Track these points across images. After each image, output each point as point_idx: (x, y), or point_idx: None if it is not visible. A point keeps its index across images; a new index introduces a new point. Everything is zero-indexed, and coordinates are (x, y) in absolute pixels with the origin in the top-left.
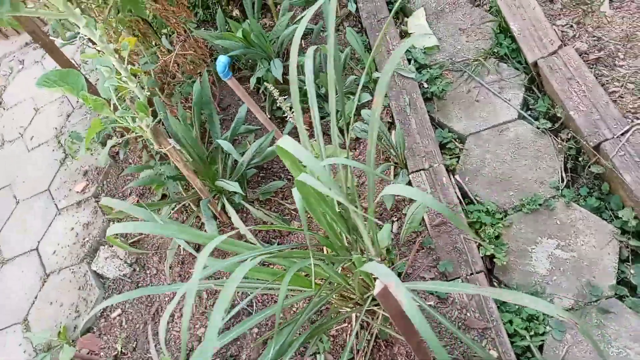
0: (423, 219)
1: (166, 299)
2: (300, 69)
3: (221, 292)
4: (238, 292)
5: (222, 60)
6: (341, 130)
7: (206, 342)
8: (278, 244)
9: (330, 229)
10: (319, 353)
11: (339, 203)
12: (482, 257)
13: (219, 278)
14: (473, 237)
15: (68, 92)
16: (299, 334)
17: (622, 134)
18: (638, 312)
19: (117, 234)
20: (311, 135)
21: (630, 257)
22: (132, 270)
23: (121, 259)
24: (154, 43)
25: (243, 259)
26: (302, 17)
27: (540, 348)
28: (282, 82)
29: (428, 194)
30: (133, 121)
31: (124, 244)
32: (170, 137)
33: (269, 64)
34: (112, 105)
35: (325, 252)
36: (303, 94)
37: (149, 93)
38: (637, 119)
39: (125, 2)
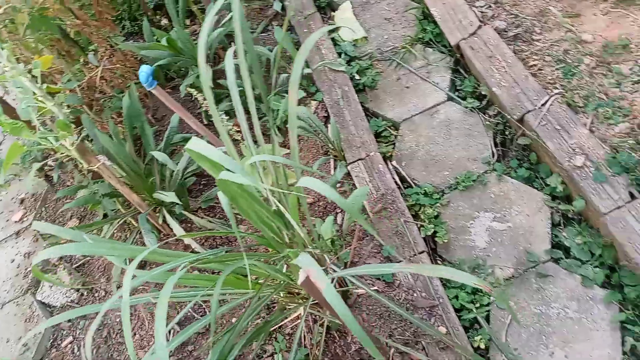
0: (364, 207)
1: (117, 319)
2: (239, 71)
3: (157, 308)
4: (186, 301)
5: (144, 70)
6: (280, 129)
7: (157, 350)
8: (226, 251)
9: (268, 227)
10: (276, 353)
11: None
12: (424, 238)
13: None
14: (375, 236)
15: None
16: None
17: (542, 105)
18: (573, 272)
19: (60, 260)
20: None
21: (561, 221)
22: (79, 295)
23: (67, 285)
24: (82, 60)
25: (172, 268)
26: (227, 21)
27: (487, 318)
28: (213, 86)
29: (331, 188)
30: (56, 141)
31: (51, 278)
32: (102, 154)
33: (199, 70)
34: (35, 127)
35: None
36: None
37: (68, 111)
38: (556, 89)
39: (34, 20)
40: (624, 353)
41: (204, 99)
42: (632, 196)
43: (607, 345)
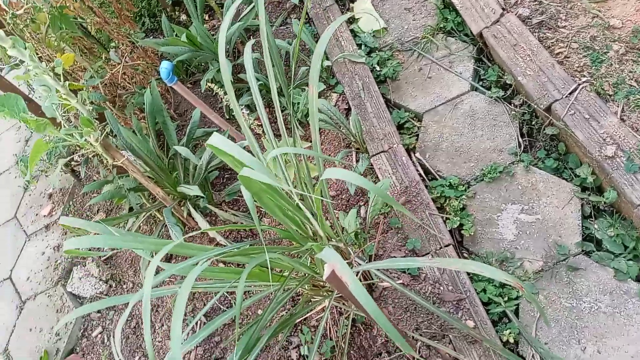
0: None
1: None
2: (258, 65)
3: (176, 300)
4: (212, 293)
5: (164, 67)
6: (301, 122)
7: (172, 348)
8: (250, 244)
9: (291, 221)
10: (302, 345)
11: (299, 195)
12: (450, 231)
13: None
14: (410, 215)
15: (8, 116)
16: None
17: (570, 93)
18: (605, 265)
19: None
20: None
21: (592, 213)
22: (108, 286)
23: (96, 277)
24: (103, 57)
25: (196, 261)
26: (246, 15)
27: (516, 312)
28: (233, 81)
29: (357, 175)
30: (81, 137)
31: (86, 252)
32: (125, 149)
33: (219, 65)
34: (60, 124)
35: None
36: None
37: (91, 107)
38: (584, 77)
39: (54, 19)
40: None
41: (225, 94)
42: None
43: None
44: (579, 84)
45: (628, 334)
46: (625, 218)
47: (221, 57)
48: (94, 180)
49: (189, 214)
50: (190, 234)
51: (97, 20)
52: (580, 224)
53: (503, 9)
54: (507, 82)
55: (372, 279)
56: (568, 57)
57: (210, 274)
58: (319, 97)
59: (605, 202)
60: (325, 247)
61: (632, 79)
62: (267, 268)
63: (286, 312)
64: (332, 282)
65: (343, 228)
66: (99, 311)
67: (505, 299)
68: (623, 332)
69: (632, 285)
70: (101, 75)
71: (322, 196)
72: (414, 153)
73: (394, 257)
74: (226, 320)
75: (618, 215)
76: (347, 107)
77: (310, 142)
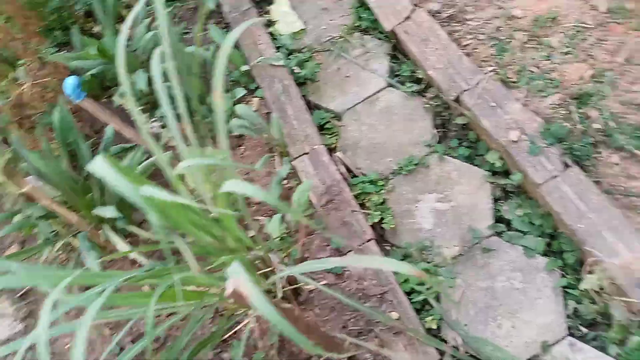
0: (311, 202)
1: (66, 347)
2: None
3: (75, 339)
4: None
5: (69, 82)
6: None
7: None
8: (177, 262)
9: (209, 235)
10: None
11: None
12: (371, 226)
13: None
14: (309, 223)
15: None
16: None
17: (477, 84)
18: (515, 243)
19: (1, 291)
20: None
21: (502, 196)
22: (24, 326)
23: (11, 316)
24: (9, 76)
25: (103, 289)
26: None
27: (438, 298)
28: (150, 92)
29: (255, 187)
30: None
31: None
32: (34, 174)
33: (133, 77)
34: None
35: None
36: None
37: None
38: (490, 66)
39: None
40: (568, 316)
41: (157, 104)
42: (566, 165)
43: (551, 311)
44: (485, 74)
45: (538, 306)
46: (531, 198)
47: (120, 70)
48: (4, 212)
49: (108, 238)
50: (107, 258)
51: (0, 37)
52: (492, 207)
53: (414, 5)
54: (419, 76)
55: (299, 283)
56: (475, 49)
57: (122, 301)
58: (239, 102)
59: (512, 184)
60: (233, 262)
61: (533, 65)
62: (180, 288)
63: (216, 328)
64: (236, 299)
65: (268, 235)
66: (15, 353)
67: (427, 286)
68: (534, 306)
69: (539, 260)
70: (7, 95)
71: (234, 206)
72: (335, 153)
73: (320, 257)
74: (155, 345)
75: (525, 195)
76: (268, 111)
77: (233, 149)
